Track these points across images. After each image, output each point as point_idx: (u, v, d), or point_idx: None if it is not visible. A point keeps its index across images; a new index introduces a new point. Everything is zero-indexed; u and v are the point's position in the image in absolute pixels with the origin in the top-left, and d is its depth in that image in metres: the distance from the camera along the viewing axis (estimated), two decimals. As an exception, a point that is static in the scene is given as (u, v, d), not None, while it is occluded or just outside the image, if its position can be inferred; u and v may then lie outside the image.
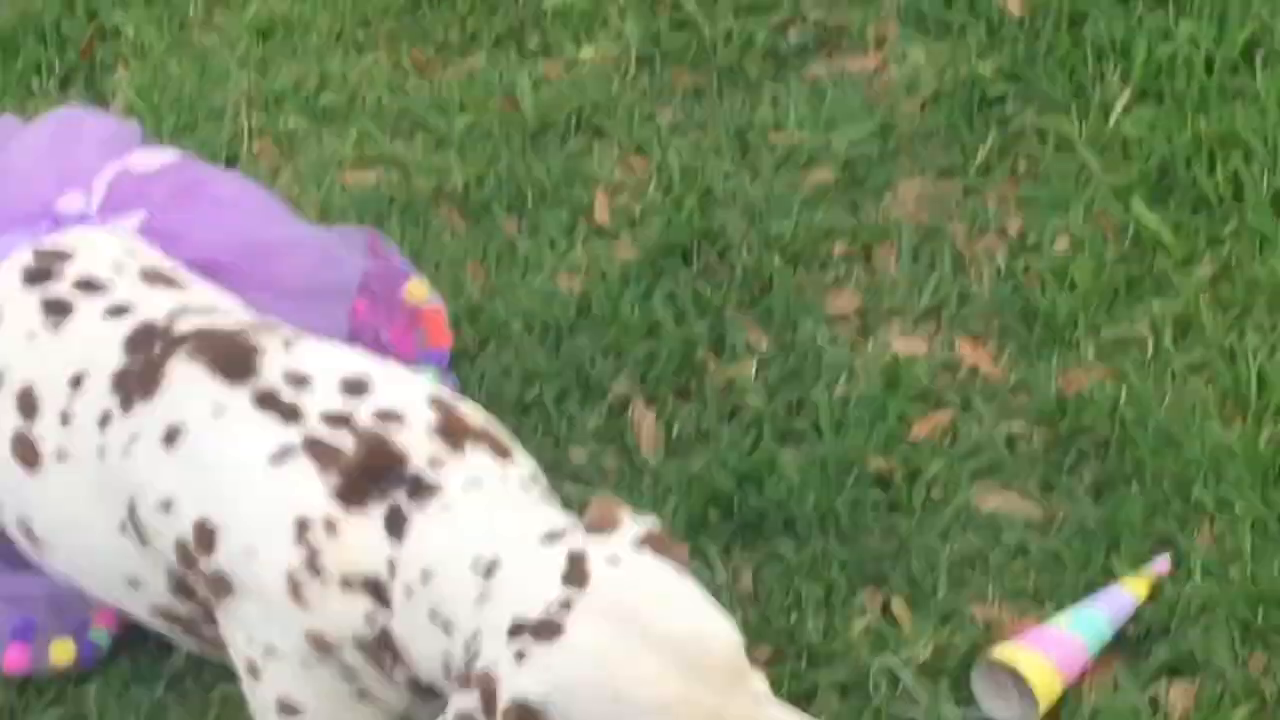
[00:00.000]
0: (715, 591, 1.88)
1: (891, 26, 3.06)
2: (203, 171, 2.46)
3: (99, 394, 2.11)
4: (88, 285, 2.20)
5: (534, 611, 1.81)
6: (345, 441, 1.95)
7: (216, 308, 2.20)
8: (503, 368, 2.58)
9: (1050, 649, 2.16)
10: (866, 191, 2.79)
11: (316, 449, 1.96)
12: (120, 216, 2.33)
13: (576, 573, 1.82)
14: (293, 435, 1.97)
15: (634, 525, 1.88)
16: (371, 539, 1.92)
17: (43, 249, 2.25)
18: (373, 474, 1.94)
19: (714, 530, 2.35)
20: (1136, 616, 2.21)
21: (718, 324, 2.58)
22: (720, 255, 2.69)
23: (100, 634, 2.31)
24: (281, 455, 1.96)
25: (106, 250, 2.25)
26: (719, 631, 1.83)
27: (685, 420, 2.48)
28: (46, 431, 2.14)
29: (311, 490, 1.95)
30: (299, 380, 2.01)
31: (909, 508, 2.35)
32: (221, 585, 2.00)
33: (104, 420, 2.10)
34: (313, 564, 1.94)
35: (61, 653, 2.28)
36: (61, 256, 2.24)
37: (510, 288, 2.66)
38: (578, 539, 1.86)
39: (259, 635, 2.00)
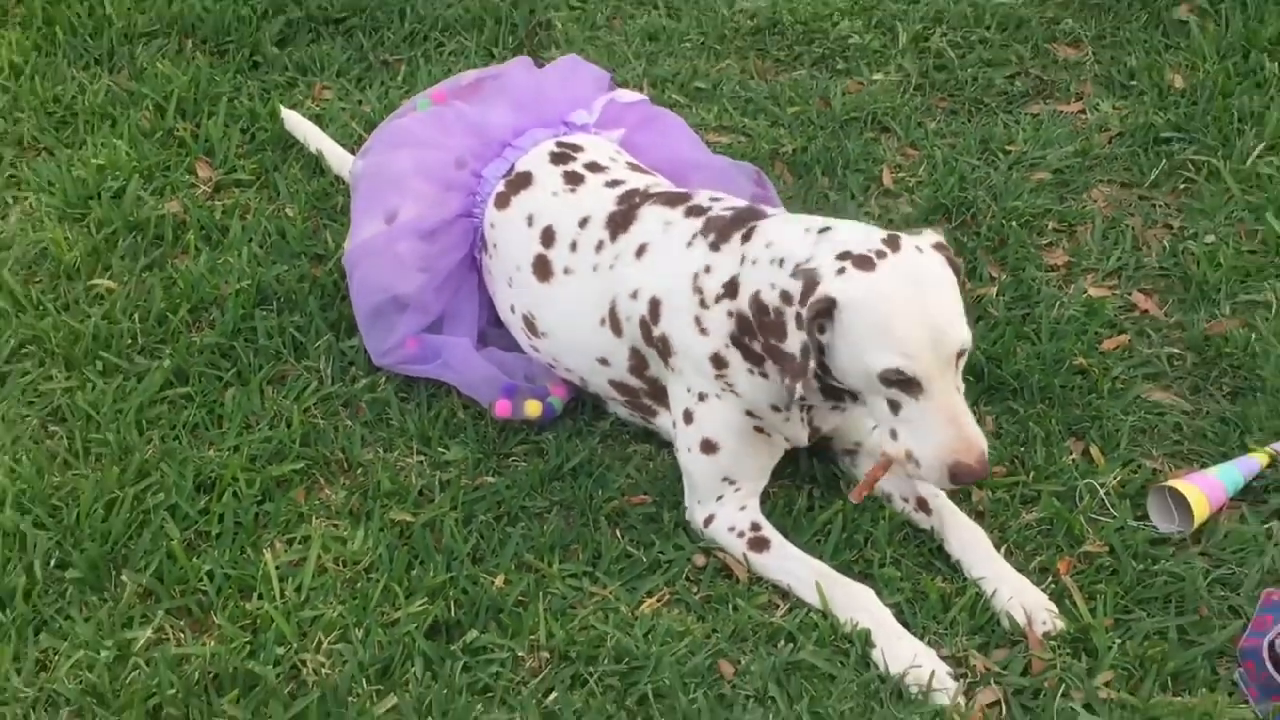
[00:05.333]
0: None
1: (1089, 86, 3.76)
2: (658, 110, 3.22)
3: (596, 230, 2.82)
4: (594, 166, 2.93)
5: (858, 250, 2.39)
6: (726, 211, 2.61)
7: (675, 187, 2.91)
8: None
9: (1202, 485, 2.73)
10: (1071, 190, 3.50)
11: (708, 222, 2.59)
12: (607, 130, 3.05)
13: (893, 242, 2.44)
14: (698, 223, 2.63)
15: (934, 235, 2.51)
16: (730, 256, 2.53)
17: (563, 141, 2.98)
18: (740, 217, 2.57)
19: (970, 389, 3.00)
20: (1260, 476, 2.78)
21: (970, 259, 3.27)
22: (972, 217, 3.38)
23: (556, 400, 2.90)
24: (690, 240, 2.62)
25: (604, 149, 3.00)
26: (963, 327, 2.38)
27: (948, 320, 3.15)
28: (559, 255, 2.87)
29: (700, 251, 2.58)
30: (715, 199, 2.71)
31: (1100, 392, 3.01)
32: (665, 346, 2.66)
33: (599, 247, 2.81)
34: (703, 301, 2.56)
35: (532, 408, 2.85)
36: (575, 148, 2.98)
37: (825, 223, 3.34)
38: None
39: (694, 383, 2.64)
